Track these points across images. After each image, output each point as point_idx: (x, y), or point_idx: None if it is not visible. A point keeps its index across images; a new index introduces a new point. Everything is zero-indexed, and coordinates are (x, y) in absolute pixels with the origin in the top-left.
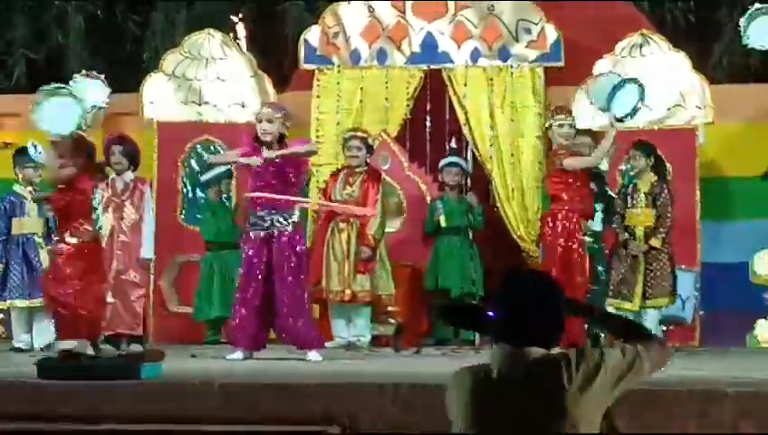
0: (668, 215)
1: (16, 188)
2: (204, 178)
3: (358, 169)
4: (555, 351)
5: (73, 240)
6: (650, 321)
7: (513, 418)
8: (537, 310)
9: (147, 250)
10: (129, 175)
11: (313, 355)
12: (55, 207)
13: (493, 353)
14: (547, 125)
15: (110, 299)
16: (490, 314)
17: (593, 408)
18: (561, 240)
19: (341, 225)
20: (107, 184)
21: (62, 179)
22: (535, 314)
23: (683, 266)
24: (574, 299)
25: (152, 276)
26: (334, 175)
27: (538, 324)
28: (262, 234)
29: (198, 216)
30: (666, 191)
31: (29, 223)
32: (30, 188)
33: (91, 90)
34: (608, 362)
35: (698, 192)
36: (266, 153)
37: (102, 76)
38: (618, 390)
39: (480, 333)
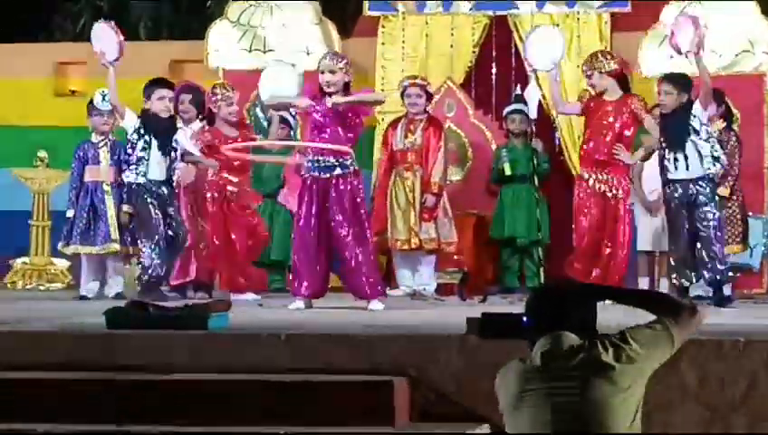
0: (736, 162)
1: (92, 136)
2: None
3: (418, 117)
4: None
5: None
6: None
7: (558, 402)
8: (568, 302)
9: None
10: (197, 124)
11: (375, 304)
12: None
13: (534, 350)
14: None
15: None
16: (524, 320)
17: (630, 386)
18: None
19: (405, 174)
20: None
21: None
22: (566, 306)
23: (750, 214)
24: (592, 284)
25: None
26: (393, 124)
27: (570, 314)
28: (319, 180)
29: None
30: (733, 138)
31: (98, 171)
32: (100, 137)
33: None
34: (638, 340)
35: (766, 139)
36: (333, 99)
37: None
38: (651, 365)
39: (521, 338)
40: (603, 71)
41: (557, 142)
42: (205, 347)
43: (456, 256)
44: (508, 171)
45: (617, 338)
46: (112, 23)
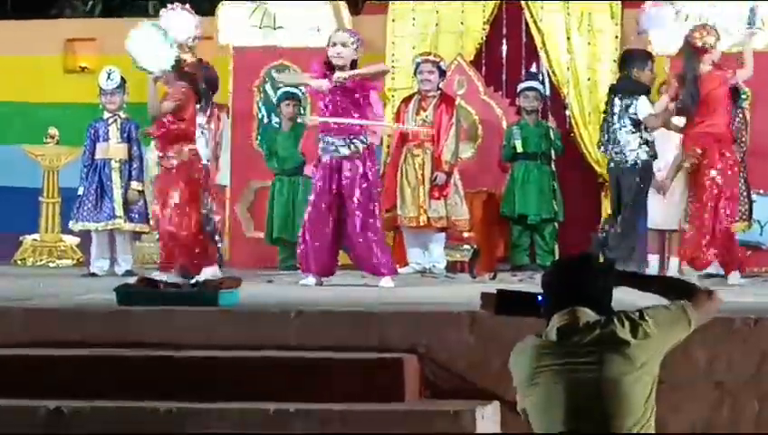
0: (743, 139)
1: (103, 114)
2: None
3: (430, 94)
4: None
5: (174, 161)
6: None
7: (574, 378)
8: (585, 277)
9: (223, 176)
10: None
11: (386, 281)
12: (155, 137)
13: (550, 325)
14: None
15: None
16: (540, 297)
17: (646, 362)
18: None
19: (415, 151)
20: None
21: (163, 113)
22: (584, 282)
23: (761, 191)
24: (611, 265)
25: (228, 202)
26: (406, 100)
27: (587, 290)
28: (332, 159)
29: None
30: (740, 115)
31: (107, 148)
32: (110, 115)
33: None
34: (655, 318)
35: None
36: (338, 74)
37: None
38: (666, 344)
39: (537, 317)
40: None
41: (567, 120)
42: (215, 324)
43: (466, 234)
44: (520, 148)
45: (634, 315)
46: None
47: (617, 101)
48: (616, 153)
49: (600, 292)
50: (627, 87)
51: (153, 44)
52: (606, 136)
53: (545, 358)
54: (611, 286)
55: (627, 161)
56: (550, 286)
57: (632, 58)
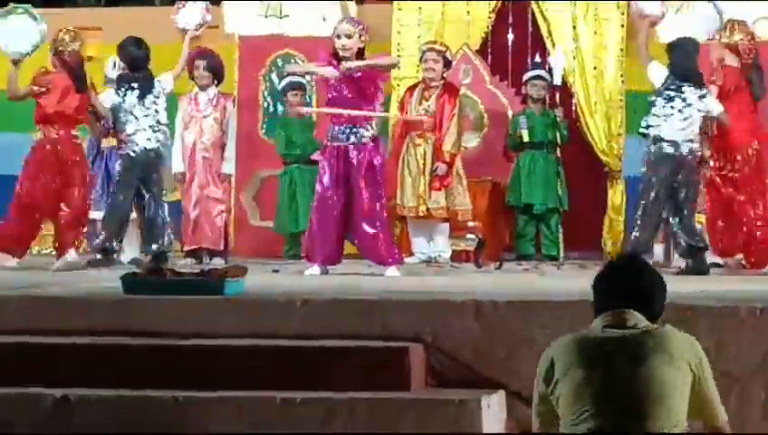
0: None
1: None
2: (280, 86)
3: (434, 84)
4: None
5: (46, 144)
6: None
7: (612, 375)
8: (638, 281)
9: (229, 165)
10: (212, 90)
11: (391, 271)
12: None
13: (596, 322)
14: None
15: (192, 214)
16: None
17: (686, 367)
18: None
19: (417, 140)
20: (190, 98)
21: (21, 96)
22: (636, 286)
23: None
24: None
25: (234, 191)
26: (410, 89)
27: (639, 294)
28: (339, 148)
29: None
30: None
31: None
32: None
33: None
34: (704, 367)
35: None
36: (347, 63)
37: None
38: (686, 390)
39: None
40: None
41: (573, 109)
42: (221, 313)
43: (471, 223)
44: (526, 138)
45: (690, 337)
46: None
47: (687, 88)
48: (674, 144)
49: (651, 296)
50: (697, 78)
51: (21, 28)
52: (665, 125)
53: (585, 351)
54: (663, 293)
55: (689, 153)
56: (600, 286)
57: (696, 47)
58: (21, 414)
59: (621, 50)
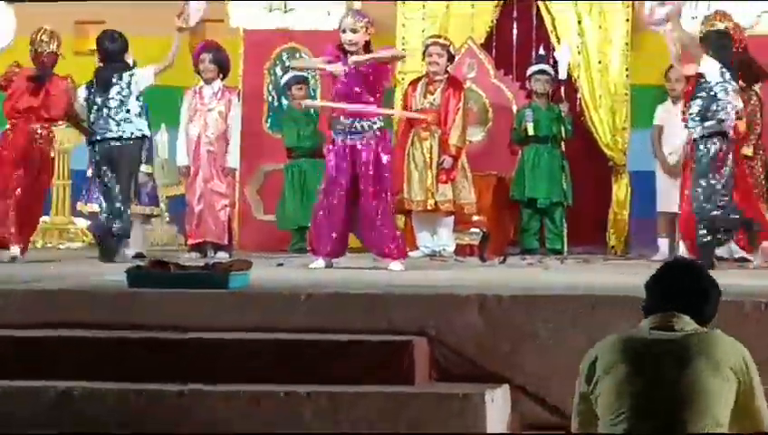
0: (758, 122)
1: None
2: (283, 80)
3: (438, 78)
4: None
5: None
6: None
7: (658, 370)
8: (691, 286)
9: (233, 159)
10: (217, 83)
11: (395, 265)
12: None
13: (644, 323)
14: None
15: (196, 208)
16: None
17: (732, 375)
18: None
19: (423, 134)
20: (195, 92)
21: None
22: (689, 290)
23: None
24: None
25: (238, 185)
26: (413, 83)
27: (690, 298)
28: (345, 142)
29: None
30: (755, 98)
31: None
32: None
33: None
34: (752, 375)
35: None
36: (354, 57)
37: None
38: (731, 397)
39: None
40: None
41: (578, 103)
42: (226, 306)
43: (475, 217)
44: (531, 131)
45: (738, 346)
46: None
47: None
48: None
49: (704, 301)
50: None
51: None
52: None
53: (629, 351)
54: (716, 299)
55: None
56: (654, 287)
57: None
58: (24, 407)
59: (626, 44)
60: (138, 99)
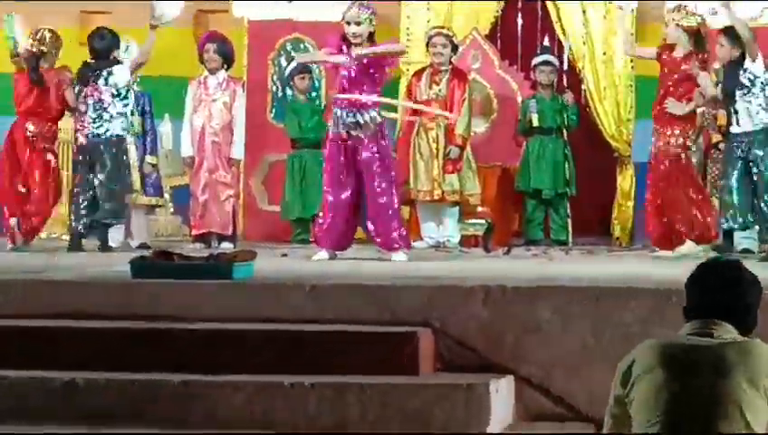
0: None
1: None
2: (286, 71)
3: (442, 68)
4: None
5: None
6: None
7: (695, 366)
8: (732, 292)
9: (237, 150)
10: (222, 74)
11: (399, 256)
12: None
13: (683, 328)
14: None
15: (201, 198)
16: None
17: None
18: None
19: (429, 124)
20: (199, 82)
21: None
22: (729, 296)
23: None
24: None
25: (242, 176)
26: (417, 74)
27: (731, 305)
28: (348, 133)
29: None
30: None
31: None
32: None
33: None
34: None
35: None
36: (356, 50)
37: None
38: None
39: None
40: (679, 24)
41: (583, 94)
42: (230, 297)
43: (479, 208)
44: (536, 122)
45: None
46: None
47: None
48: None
49: (746, 309)
50: None
51: None
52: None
53: (667, 356)
54: (757, 299)
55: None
56: (693, 289)
57: None
58: (29, 397)
59: (632, 35)
60: (120, 97)
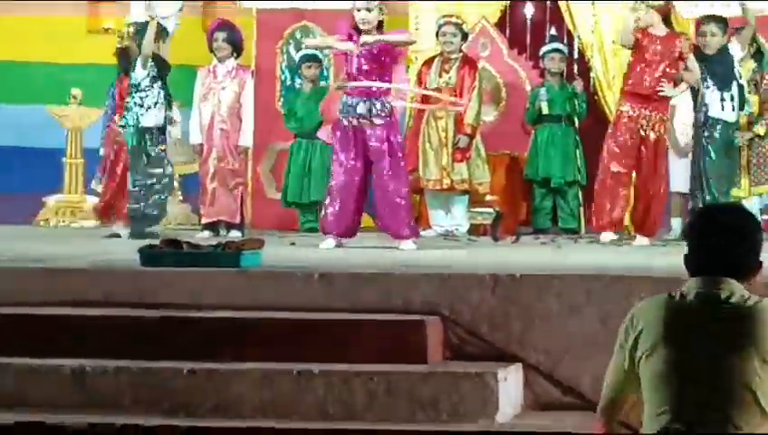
0: None
1: None
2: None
3: (453, 56)
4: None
5: None
6: (751, 208)
7: (705, 342)
8: (733, 240)
9: (246, 138)
10: (231, 62)
11: (407, 244)
12: None
13: (689, 284)
14: None
15: (209, 186)
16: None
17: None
18: None
19: (438, 113)
20: (208, 70)
21: None
22: (732, 245)
23: None
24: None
25: (251, 164)
26: (428, 62)
27: (734, 255)
28: (354, 120)
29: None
30: (766, 78)
31: None
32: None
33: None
34: None
35: None
36: (364, 38)
37: None
38: None
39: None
40: (651, 6)
41: (592, 83)
42: (238, 285)
43: (488, 197)
44: (545, 110)
45: None
46: None
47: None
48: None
49: (746, 259)
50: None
51: None
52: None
53: (681, 323)
54: (758, 254)
55: None
56: (694, 236)
57: None
58: (38, 385)
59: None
60: (136, 91)
